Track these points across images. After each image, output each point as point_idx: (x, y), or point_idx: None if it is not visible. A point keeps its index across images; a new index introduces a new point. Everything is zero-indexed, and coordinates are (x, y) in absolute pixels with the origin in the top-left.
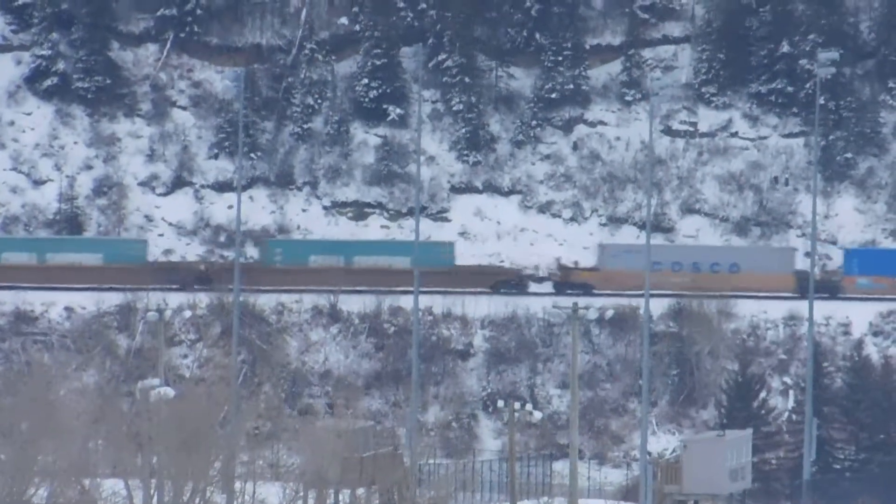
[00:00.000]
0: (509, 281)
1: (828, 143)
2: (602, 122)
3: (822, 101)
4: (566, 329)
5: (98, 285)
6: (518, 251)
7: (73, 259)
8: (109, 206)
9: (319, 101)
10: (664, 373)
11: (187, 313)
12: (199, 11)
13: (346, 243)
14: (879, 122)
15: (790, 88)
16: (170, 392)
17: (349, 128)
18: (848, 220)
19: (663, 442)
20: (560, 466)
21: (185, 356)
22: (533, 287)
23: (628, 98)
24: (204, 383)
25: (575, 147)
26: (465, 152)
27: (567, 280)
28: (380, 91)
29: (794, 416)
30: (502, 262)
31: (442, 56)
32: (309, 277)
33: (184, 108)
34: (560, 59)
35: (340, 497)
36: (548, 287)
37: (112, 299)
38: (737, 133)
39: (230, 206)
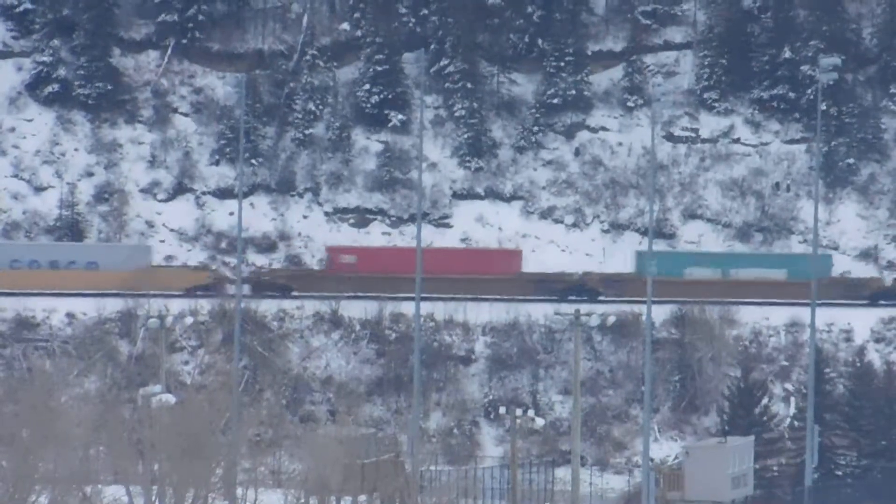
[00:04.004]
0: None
1: (830, 150)
2: (604, 128)
3: (823, 108)
4: (568, 335)
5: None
6: None
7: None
8: (110, 212)
9: (321, 107)
10: (666, 379)
11: (189, 320)
12: (200, 18)
13: (723, 255)
14: (881, 128)
15: (792, 94)
16: (171, 399)
17: (351, 134)
18: (850, 226)
19: (665, 448)
20: (562, 473)
21: (187, 363)
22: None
23: (630, 104)
24: (205, 390)
25: (577, 153)
26: (467, 158)
27: None
28: (381, 97)
29: (795, 423)
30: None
31: (444, 62)
32: (685, 289)
33: (185, 115)
34: (562, 64)
35: None
36: None
37: (113, 305)
38: (739, 139)
39: (231, 213)
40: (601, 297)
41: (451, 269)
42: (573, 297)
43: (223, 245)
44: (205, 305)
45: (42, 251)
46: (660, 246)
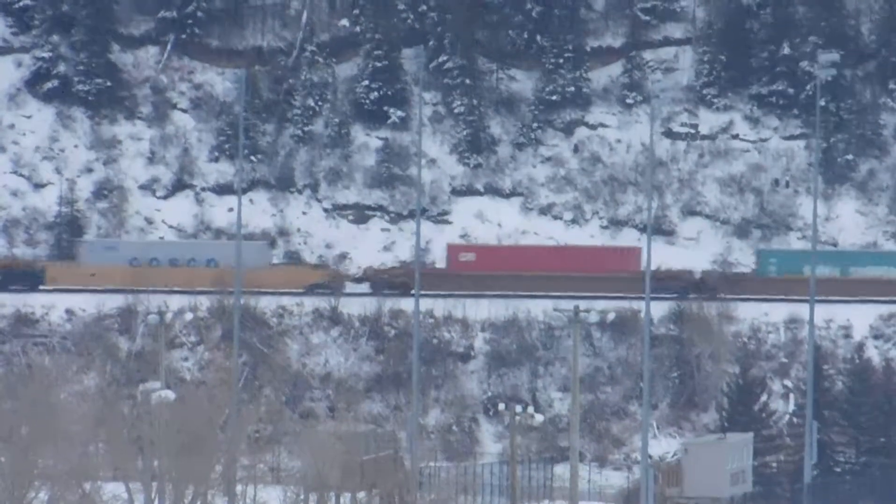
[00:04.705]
0: None
1: (829, 146)
2: (603, 125)
3: (822, 104)
4: (567, 332)
5: None
6: None
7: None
8: (110, 209)
9: (320, 103)
10: (665, 376)
11: (188, 316)
12: (199, 14)
13: (843, 253)
14: (880, 124)
15: (791, 90)
16: (171, 395)
17: (350, 130)
18: (849, 222)
19: (664, 445)
20: (561, 469)
21: (186, 359)
22: None
23: (629, 100)
24: (205, 386)
25: (576, 149)
26: (466, 155)
27: None
28: (380, 93)
29: (794, 420)
30: None
31: (443, 58)
32: (804, 287)
33: (184, 111)
34: (561, 61)
35: (341, 500)
36: None
37: (113, 301)
38: (738, 135)
39: (230, 209)
40: (720, 296)
41: (570, 267)
42: (693, 296)
43: (222, 241)
44: (204, 302)
45: (162, 248)
46: (658, 243)
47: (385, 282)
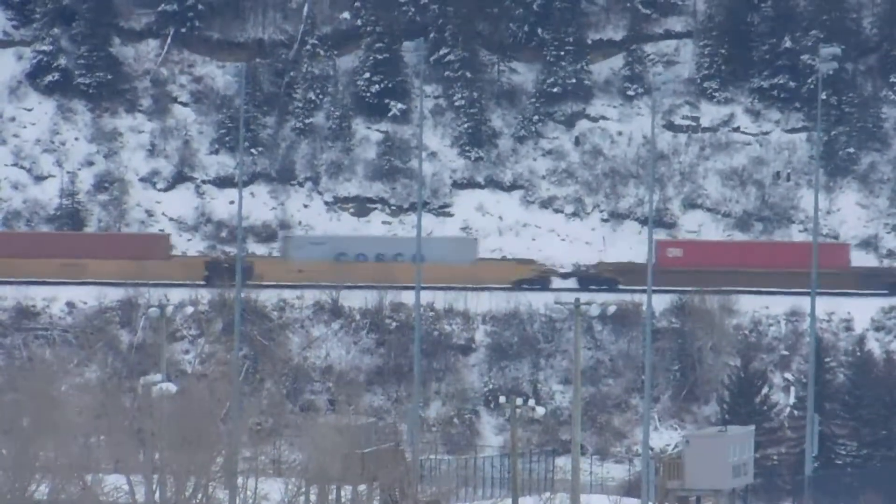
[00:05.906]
0: None
1: (830, 139)
2: (604, 118)
3: (824, 97)
4: (568, 325)
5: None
6: (520, 247)
7: None
8: (111, 201)
9: (321, 96)
10: (666, 368)
11: (189, 309)
12: (200, 6)
13: None
14: (881, 117)
15: (792, 84)
16: (172, 388)
17: (351, 123)
18: (850, 215)
19: (665, 437)
20: (562, 462)
21: (187, 352)
22: None
23: (630, 93)
24: (206, 379)
25: (577, 142)
26: (467, 147)
27: None
28: (381, 86)
29: (795, 412)
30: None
31: (444, 51)
32: None
33: (185, 104)
34: (562, 53)
35: (342, 493)
36: None
37: (114, 294)
38: (739, 128)
39: (231, 202)
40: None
41: (780, 263)
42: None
43: (223, 234)
44: (205, 295)
45: (369, 244)
46: (660, 235)
47: (592, 277)
